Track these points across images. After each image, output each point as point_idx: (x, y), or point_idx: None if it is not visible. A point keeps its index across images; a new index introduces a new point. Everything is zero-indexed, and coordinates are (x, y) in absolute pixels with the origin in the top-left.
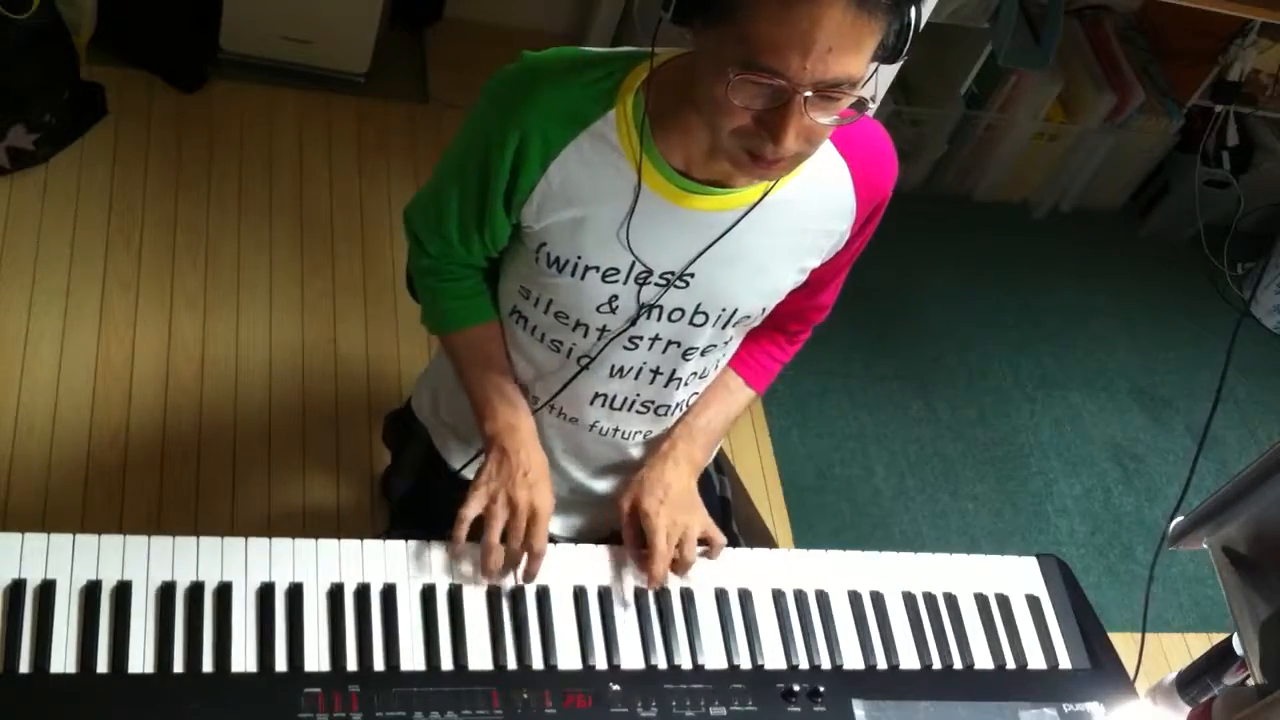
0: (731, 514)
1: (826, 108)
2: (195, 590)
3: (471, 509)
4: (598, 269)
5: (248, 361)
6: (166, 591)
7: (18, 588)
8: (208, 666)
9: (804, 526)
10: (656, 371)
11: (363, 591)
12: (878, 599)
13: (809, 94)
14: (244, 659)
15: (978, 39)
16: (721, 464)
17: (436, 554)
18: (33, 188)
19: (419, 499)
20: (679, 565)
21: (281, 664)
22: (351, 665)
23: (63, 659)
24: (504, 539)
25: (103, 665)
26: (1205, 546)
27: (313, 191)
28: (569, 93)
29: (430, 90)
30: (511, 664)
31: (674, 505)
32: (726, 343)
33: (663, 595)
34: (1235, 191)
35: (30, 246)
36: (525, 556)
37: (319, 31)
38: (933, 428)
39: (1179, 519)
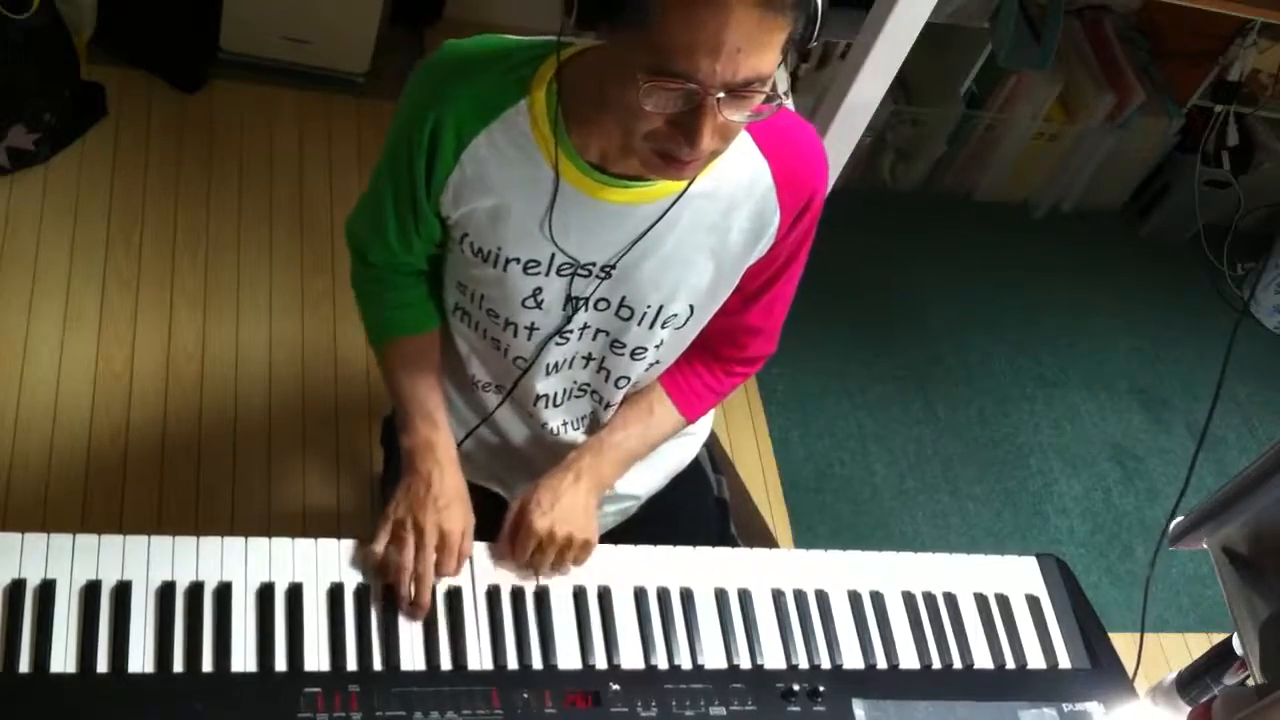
0: (729, 515)
1: (739, 106)
2: (195, 590)
3: (380, 542)
4: (518, 260)
5: (248, 362)
6: (166, 591)
7: (18, 588)
8: (208, 666)
9: (804, 526)
10: (589, 358)
11: (363, 591)
12: (878, 599)
13: (721, 95)
14: (244, 659)
15: (978, 39)
16: (719, 464)
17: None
18: (33, 188)
19: None
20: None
21: (281, 664)
22: (351, 665)
23: (63, 659)
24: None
25: (103, 665)
26: (1205, 546)
27: (313, 191)
28: (483, 81)
29: None
30: (511, 664)
31: (558, 516)
32: (658, 346)
33: (663, 595)
34: (1235, 191)
35: (30, 246)
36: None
37: (319, 31)
38: (933, 428)
39: (1179, 519)
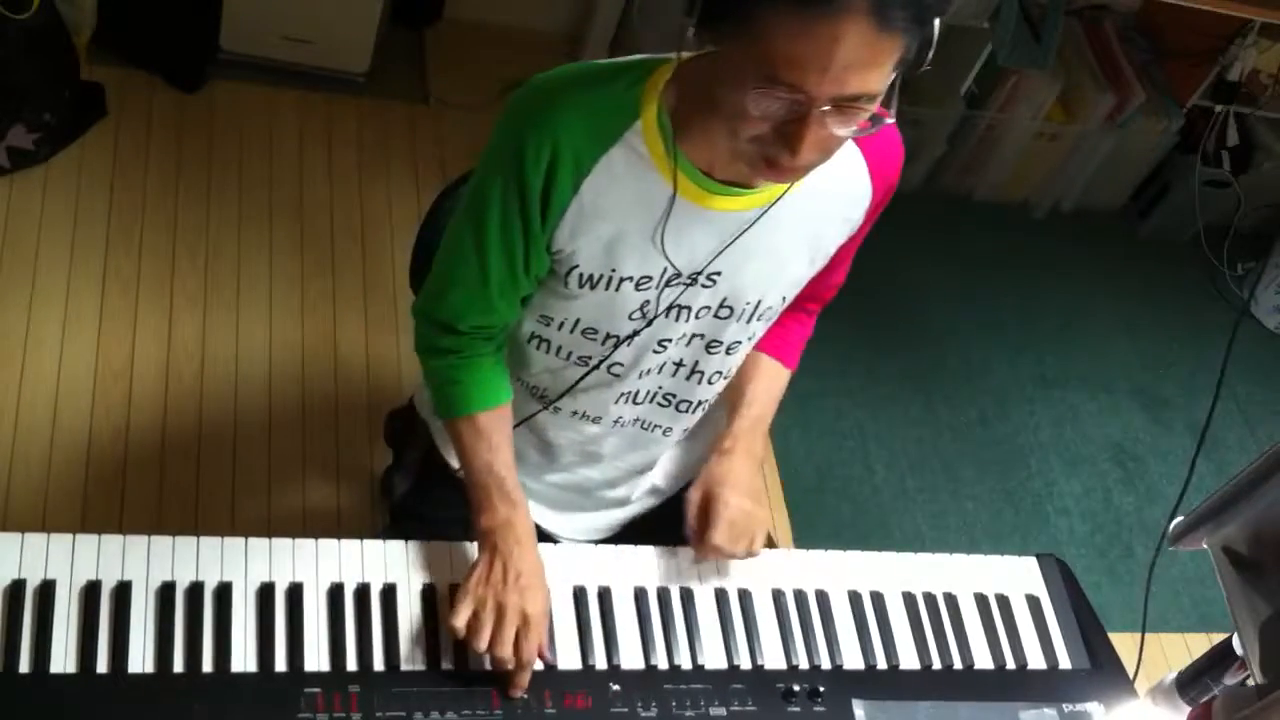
0: None
1: (844, 120)
2: (195, 590)
3: (460, 617)
4: (632, 279)
5: (248, 362)
6: (166, 591)
7: (18, 588)
8: (208, 666)
9: (804, 526)
10: (680, 364)
11: (363, 591)
12: (878, 599)
13: (827, 108)
14: (244, 659)
15: (978, 39)
16: None
17: (436, 554)
18: (33, 188)
19: (419, 498)
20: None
21: (281, 664)
22: (351, 665)
23: (63, 659)
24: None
25: (103, 665)
26: (1205, 546)
27: (313, 191)
28: (592, 108)
29: (430, 90)
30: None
31: (748, 498)
32: (750, 338)
33: (663, 595)
34: (1235, 191)
35: (30, 246)
36: (514, 666)
37: (319, 31)
38: (933, 428)
39: (1179, 519)
